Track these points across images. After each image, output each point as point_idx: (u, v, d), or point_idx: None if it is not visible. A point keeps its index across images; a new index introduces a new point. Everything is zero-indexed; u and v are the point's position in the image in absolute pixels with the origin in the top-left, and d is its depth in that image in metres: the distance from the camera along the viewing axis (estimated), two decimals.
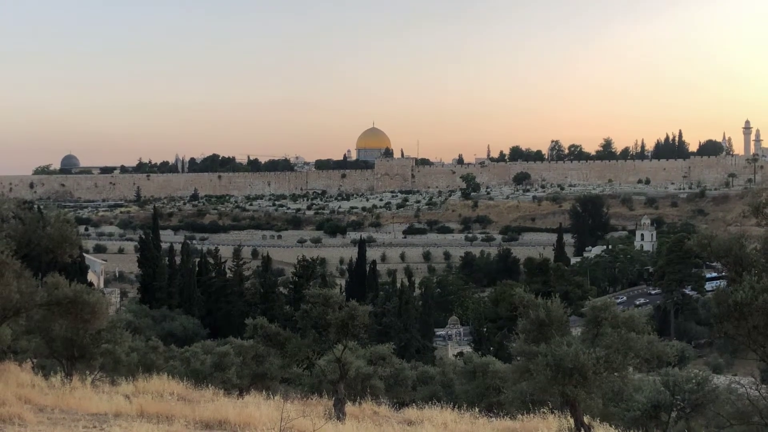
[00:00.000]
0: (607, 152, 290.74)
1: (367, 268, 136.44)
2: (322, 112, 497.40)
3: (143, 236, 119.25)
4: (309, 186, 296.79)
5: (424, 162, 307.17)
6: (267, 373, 29.22)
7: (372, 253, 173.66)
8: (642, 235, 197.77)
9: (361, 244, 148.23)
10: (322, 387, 24.80)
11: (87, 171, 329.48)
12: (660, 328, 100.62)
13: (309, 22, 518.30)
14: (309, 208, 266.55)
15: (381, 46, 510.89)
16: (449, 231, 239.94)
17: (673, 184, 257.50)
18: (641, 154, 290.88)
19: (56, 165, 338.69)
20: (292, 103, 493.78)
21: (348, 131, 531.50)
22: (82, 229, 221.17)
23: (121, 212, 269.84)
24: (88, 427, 14.33)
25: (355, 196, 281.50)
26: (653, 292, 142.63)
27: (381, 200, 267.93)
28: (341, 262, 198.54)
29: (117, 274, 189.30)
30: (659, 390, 22.35)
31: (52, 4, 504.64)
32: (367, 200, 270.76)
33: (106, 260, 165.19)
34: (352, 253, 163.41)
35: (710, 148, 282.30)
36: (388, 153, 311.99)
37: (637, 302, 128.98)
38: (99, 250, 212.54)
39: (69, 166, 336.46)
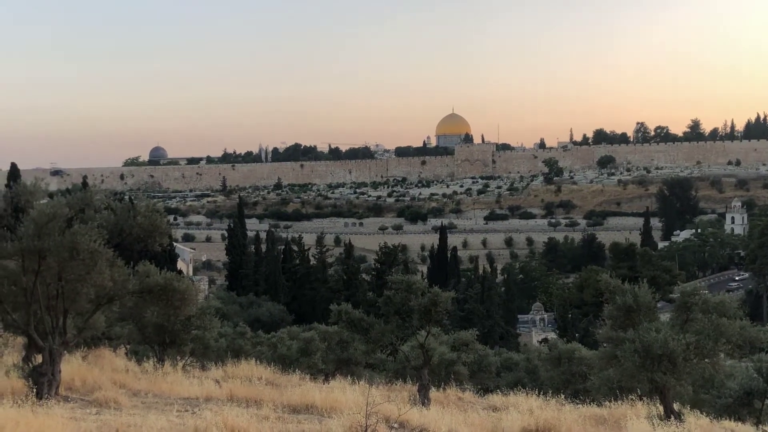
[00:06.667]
0: (695, 133, 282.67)
1: (449, 255, 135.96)
2: (401, 99, 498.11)
3: (230, 225, 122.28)
4: (389, 173, 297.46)
5: (505, 147, 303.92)
6: (351, 359, 29.47)
7: (453, 240, 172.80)
8: (732, 218, 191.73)
9: (442, 231, 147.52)
10: (406, 373, 24.88)
11: (174, 162, 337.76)
12: (752, 313, 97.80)
13: (388, 10, 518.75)
14: (390, 195, 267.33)
15: (459, 32, 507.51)
16: (531, 216, 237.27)
17: (764, 165, 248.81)
18: (731, 135, 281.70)
19: (145, 157, 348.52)
20: (371, 90, 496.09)
21: (427, 118, 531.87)
22: (170, 218, 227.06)
23: (207, 202, 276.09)
24: (181, 410, 14.73)
25: (435, 182, 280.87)
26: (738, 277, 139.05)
27: (461, 186, 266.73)
28: (422, 248, 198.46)
29: (205, 262, 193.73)
30: (752, 376, 21.71)
31: (142, 4, 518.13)
32: (448, 186, 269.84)
33: (194, 249, 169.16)
34: (433, 239, 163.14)
35: None
36: (468, 139, 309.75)
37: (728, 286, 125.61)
38: (187, 239, 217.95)
39: (157, 157, 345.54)
